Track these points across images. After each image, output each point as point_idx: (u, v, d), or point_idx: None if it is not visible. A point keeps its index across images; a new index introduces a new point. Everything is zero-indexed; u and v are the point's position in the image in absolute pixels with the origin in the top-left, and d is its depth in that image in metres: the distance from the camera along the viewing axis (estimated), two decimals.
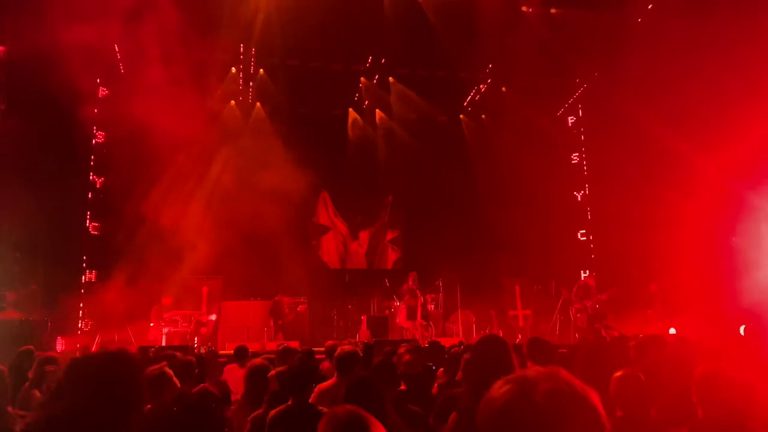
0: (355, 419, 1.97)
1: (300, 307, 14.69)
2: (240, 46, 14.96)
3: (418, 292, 13.86)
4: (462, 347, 7.01)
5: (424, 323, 13.74)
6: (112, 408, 1.70)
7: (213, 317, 14.28)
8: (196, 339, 13.16)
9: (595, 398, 1.12)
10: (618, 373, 3.56)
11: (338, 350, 4.53)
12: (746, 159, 11.46)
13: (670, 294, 13.06)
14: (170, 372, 4.13)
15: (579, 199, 17.90)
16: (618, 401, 3.31)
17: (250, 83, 16.33)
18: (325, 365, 6.23)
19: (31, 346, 5.79)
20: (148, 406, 4.10)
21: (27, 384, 4.43)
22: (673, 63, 12.50)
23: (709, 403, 2.83)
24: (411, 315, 13.65)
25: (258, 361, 5.02)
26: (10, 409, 4.00)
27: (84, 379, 1.74)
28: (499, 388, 1.14)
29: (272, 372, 4.62)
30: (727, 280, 11.77)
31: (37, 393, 4.22)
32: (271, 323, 13.87)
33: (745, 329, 9.00)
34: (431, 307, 15.01)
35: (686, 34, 11.82)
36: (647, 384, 3.35)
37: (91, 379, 1.73)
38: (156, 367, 4.14)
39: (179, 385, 4.18)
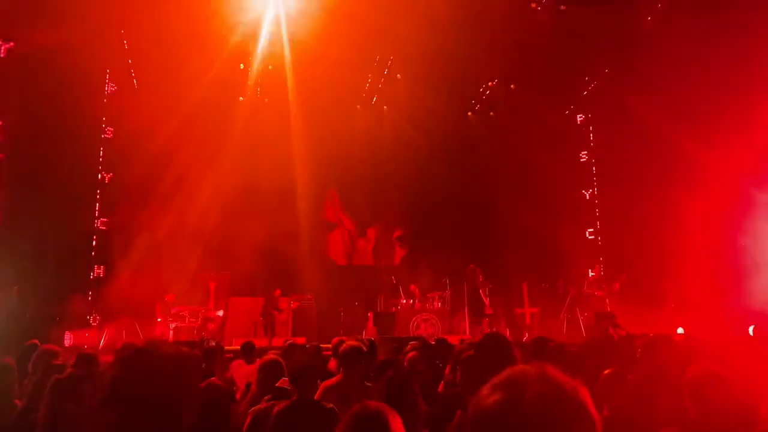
0: (379, 416, 1.99)
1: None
2: (249, 43, 14.97)
3: (487, 285, 13.58)
4: (464, 344, 6.98)
5: (489, 314, 13.55)
6: (169, 414, 1.58)
7: (220, 313, 14.33)
8: (203, 335, 13.21)
9: (586, 398, 1.08)
10: (605, 372, 3.56)
11: (342, 346, 4.52)
12: (758, 158, 11.37)
13: (681, 292, 12.99)
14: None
15: (587, 197, 17.82)
16: (605, 400, 3.31)
17: (260, 79, 16.32)
18: (332, 363, 6.19)
19: (36, 341, 5.81)
20: None
21: (28, 378, 4.45)
22: (683, 61, 12.40)
23: (700, 403, 2.82)
24: (481, 310, 13.32)
25: (272, 356, 5.03)
26: (18, 402, 4.02)
27: (140, 383, 1.58)
28: (487, 396, 1.10)
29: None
30: (737, 280, 11.68)
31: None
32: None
33: (754, 329, 8.94)
34: (438, 304, 15.02)
35: (696, 32, 11.72)
36: (636, 383, 3.33)
37: (150, 383, 1.58)
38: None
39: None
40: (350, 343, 4.58)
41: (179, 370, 1.64)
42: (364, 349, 4.54)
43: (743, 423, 2.73)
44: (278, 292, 14.08)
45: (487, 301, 13.41)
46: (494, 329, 14.26)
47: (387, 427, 1.95)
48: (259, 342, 10.08)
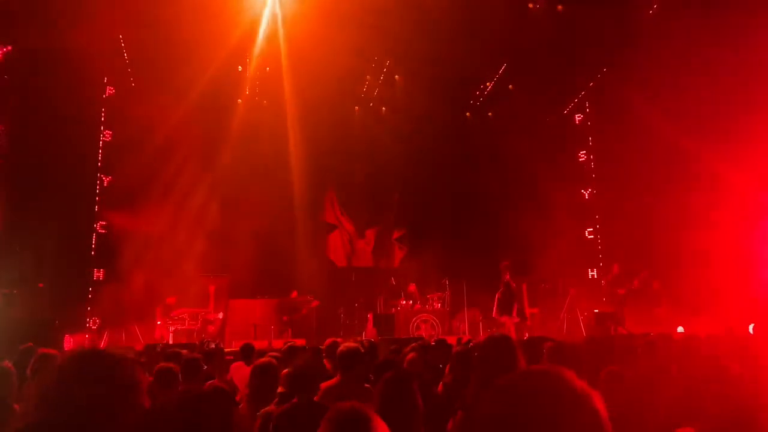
0: (357, 417, 1.91)
1: (314, 303, 14.78)
2: (247, 45, 14.96)
3: (513, 284, 13.26)
4: (460, 345, 6.96)
5: (518, 320, 13.29)
6: (101, 411, 1.62)
7: (220, 315, 14.31)
8: (203, 337, 13.19)
9: (596, 399, 1.08)
10: (605, 370, 3.55)
11: (340, 347, 4.51)
12: (758, 156, 11.37)
13: (677, 291, 12.98)
14: (176, 369, 4.16)
15: (586, 197, 17.81)
16: (605, 398, 3.29)
17: (258, 81, 16.31)
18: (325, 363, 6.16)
19: (31, 344, 5.79)
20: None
21: (26, 383, 4.45)
22: (682, 59, 12.40)
23: (718, 401, 2.79)
24: (505, 309, 13.11)
25: (264, 359, 5.00)
26: (17, 407, 4.00)
27: (71, 381, 1.64)
28: (498, 390, 1.10)
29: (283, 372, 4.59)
30: (736, 278, 11.68)
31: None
32: (278, 320, 13.87)
33: (754, 327, 8.96)
34: (437, 305, 15.00)
35: (697, 30, 11.72)
36: (635, 382, 3.33)
37: (79, 381, 1.64)
38: (164, 363, 4.16)
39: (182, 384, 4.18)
40: (348, 344, 4.57)
41: (111, 374, 1.70)
42: (362, 350, 4.53)
43: (761, 421, 2.71)
44: (295, 293, 14.18)
45: (496, 305, 13.25)
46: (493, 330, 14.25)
47: (368, 425, 1.88)
48: (259, 344, 10.06)
